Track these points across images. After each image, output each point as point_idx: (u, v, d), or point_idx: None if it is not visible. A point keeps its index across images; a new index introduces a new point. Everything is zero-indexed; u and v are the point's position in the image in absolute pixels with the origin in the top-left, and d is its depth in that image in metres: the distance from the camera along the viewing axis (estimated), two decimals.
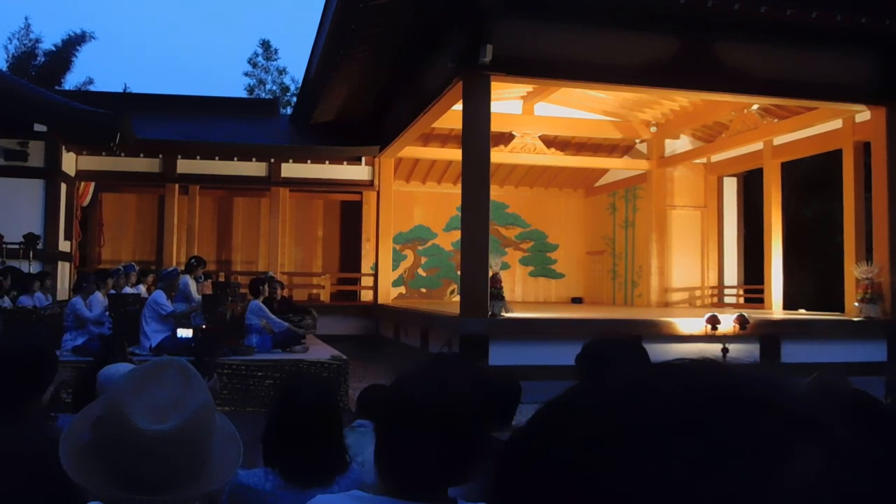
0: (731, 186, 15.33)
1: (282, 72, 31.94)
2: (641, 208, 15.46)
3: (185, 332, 7.78)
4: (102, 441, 1.27)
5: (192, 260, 9.70)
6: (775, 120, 12.32)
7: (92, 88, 26.20)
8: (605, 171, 16.70)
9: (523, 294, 16.89)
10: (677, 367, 0.41)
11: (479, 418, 1.32)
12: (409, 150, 13.74)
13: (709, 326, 9.05)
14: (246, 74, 31.92)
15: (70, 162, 13.14)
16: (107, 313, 8.49)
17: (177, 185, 14.15)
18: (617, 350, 2.19)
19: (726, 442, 0.35)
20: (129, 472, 1.23)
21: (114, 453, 1.24)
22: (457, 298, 12.10)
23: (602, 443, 0.37)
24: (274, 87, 30.95)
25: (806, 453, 0.34)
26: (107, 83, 46.70)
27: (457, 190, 11.54)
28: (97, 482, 1.24)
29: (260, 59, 31.73)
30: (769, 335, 9.34)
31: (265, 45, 31.74)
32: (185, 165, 13.98)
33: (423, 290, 16.39)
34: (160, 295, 8.23)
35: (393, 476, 1.31)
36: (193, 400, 1.27)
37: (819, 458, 0.34)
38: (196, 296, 8.67)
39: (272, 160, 14.28)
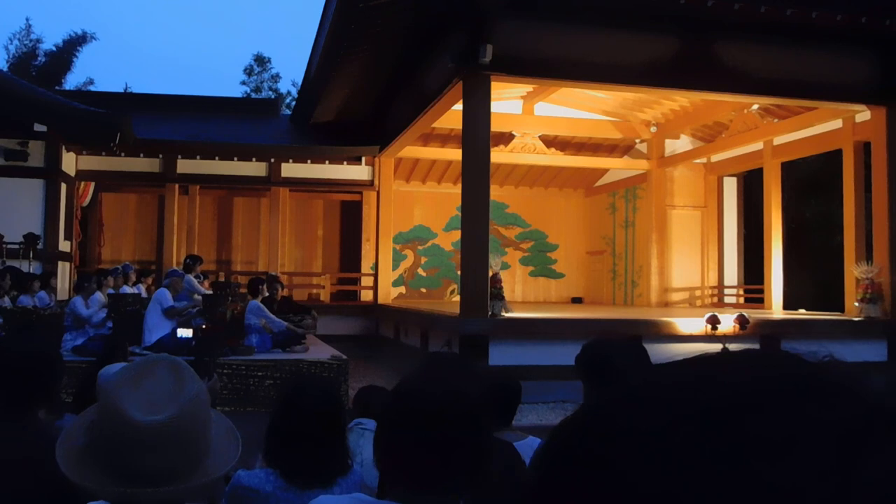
0: (731, 186, 15.33)
1: (275, 78, 33.10)
2: (641, 208, 15.46)
3: (185, 332, 7.78)
4: (99, 439, 1.28)
5: (188, 259, 9.73)
6: (775, 120, 12.32)
7: (92, 88, 26.23)
8: (605, 171, 16.70)
9: (523, 294, 16.89)
10: (743, 355, 0.38)
11: (481, 419, 1.31)
12: (409, 149, 13.74)
13: (709, 326, 9.05)
14: (242, 83, 33.44)
15: (70, 162, 13.14)
16: (103, 313, 8.49)
17: (177, 185, 14.15)
18: (617, 351, 2.19)
19: (800, 427, 0.32)
20: (127, 466, 1.23)
21: (112, 449, 1.25)
22: (457, 298, 12.10)
23: (680, 434, 0.34)
24: (270, 94, 31.52)
25: (888, 445, 0.32)
26: (108, 83, 46.75)
27: (457, 190, 11.54)
28: (96, 480, 1.25)
29: (255, 68, 32.93)
30: (769, 335, 9.34)
31: (259, 58, 33.08)
32: (185, 165, 13.97)
33: (423, 290, 16.39)
34: (164, 291, 8.29)
35: (394, 479, 1.30)
36: (187, 391, 1.28)
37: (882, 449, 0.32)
38: (203, 289, 8.72)
39: (272, 160, 14.28)
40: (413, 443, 1.25)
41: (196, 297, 8.61)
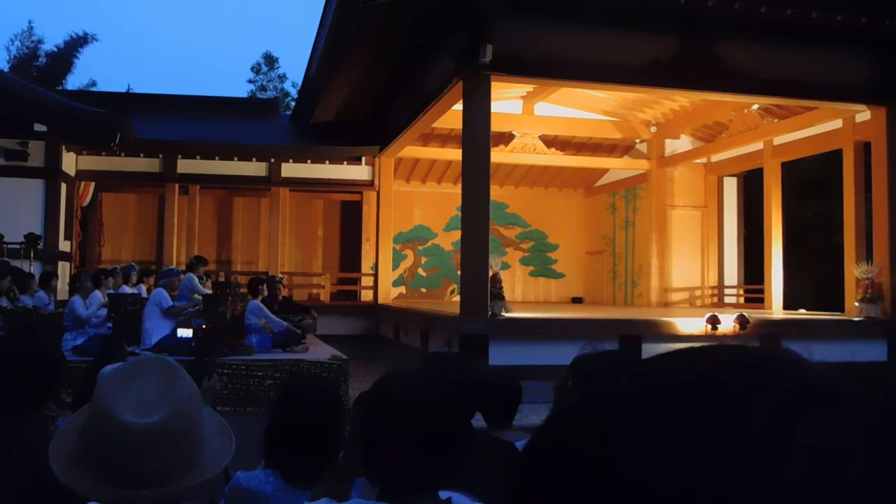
0: (731, 186, 15.33)
1: (282, 78, 33.15)
2: (641, 208, 15.46)
3: (185, 332, 7.77)
4: (91, 441, 1.27)
5: (193, 259, 9.73)
6: (775, 120, 12.32)
7: (94, 89, 26.24)
8: (605, 171, 16.70)
9: (523, 294, 16.89)
10: (676, 352, 0.42)
11: (461, 416, 1.33)
12: (410, 149, 13.74)
13: (709, 326, 9.05)
14: (249, 81, 33.29)
15: (70, 162, 13.14)
16: (103, 312, 8.49)
17: (177, 185, 14.16)
18: (608, 362, 2.15)
19: (733, 409, 0.35)
20: (120, 468, 1.23)
21: (104, 451, 1.25)
22: (457, 298, 12.10)
23: (619, 434, 0.37)
24: (275, 94, 31.62)
25: (820, 418, 0.34)
26: (110, 83, 46.76)
27: (457, 190, 11.54)
28: (89, 483, 1.24)
29: (263, 66, 32.99)
30: (769, 335, 9.34)
31: (268, 58, 33.06)
32: (185, 165, 13.98)
33: (424, 290, 16.39)
34: (162, 291, 8.26)
35: (374, 476, 1.32)
36: (178, 392, 1.28)
37: (835, 424, 0.34)
38: (203, 289, 8.71)
39: (272, 160, 14.28)
40: (392, 442, 1.28)
41: (196, 296, 8.60)
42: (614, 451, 0.37)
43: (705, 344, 0.43)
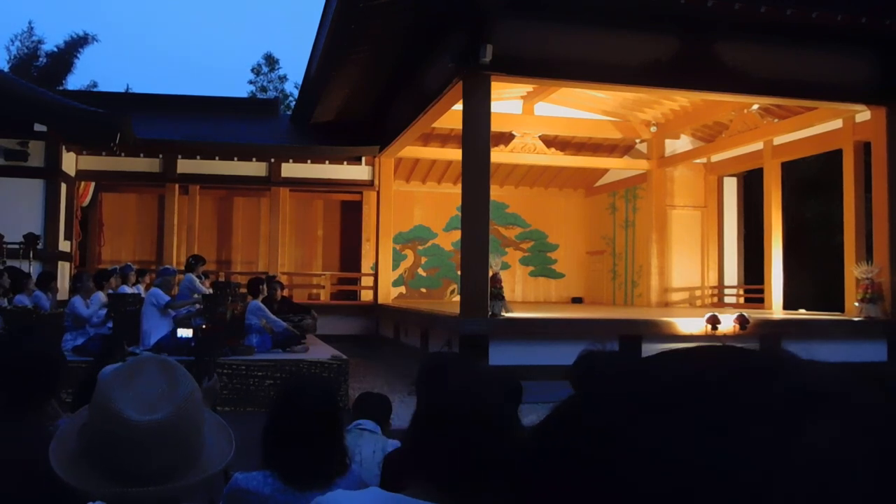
0: (731, 186, 15.33)
1: (283, 79, 33.25)
2: (641, 208, 15.46)
3: (185, 332, 7.77)
4: (93, 440, 1.27)
5: (191, 259, 9.72)
6: (775, 120, 12.32)
7: (94, 89, 26.24)
8: (605, 171, 16.70)
9: (523, 294, 16.89)
10: (675, 352, 0.41)
11: (504, 423, 1.42)
12: (410, 149, 13.74)
13: (709, 326, 9.05)
14: (250, 82, 33.43)
15: (70, 162, 13.13)
16: (104, 311, 8.48)
17: (177, 185, 14.16)
18: (608, 361, 2.16)
19: (732, 410, 0.35)
20: (124, 466, 1.23)
21: (107, 449, 1.25)
22: (457, 298, 12.10)
23: (614, 433, 0.37)
24: (275, 95, 31.66)
25: (819, 421, 0.34)
26: (110, 83, 46.74)
27: (457, 190, 11.54)
28: (92, 481, 1.25)
29: (263, 67, 33.13)
30: (769, 335, 9.34)
31: (269, 59, 33.15)
32: (185, 165, 13.98)
33: (424, 290, 16.39)
34: (157, 290, 8.23)
35: (423, 477, 1.39)
36: (181, 389, 1.29)
37: (834, 427, 0.34)
38: (203, 288, 8.70)
39: (272, 160, 14.28)
40: (446, 446, 1.35)
41: (196, 295, 8.59)
42: (610, 450, 0.37)
43: (704, 344, 0.43)
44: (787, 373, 0.37)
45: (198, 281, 8.79)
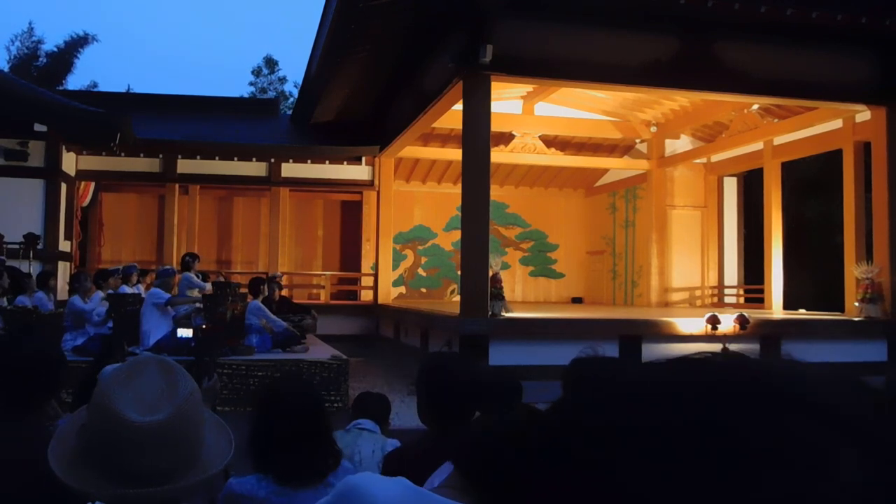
0: (731, 186, 15.32)
1: (282, 80, 33.45)
2: (641, 208, 15.46)
3: (185, 332, 7.77)
4: (93, 440, 1.27)
5: (187, 257, 9.72)
6: (775, 120, 12.32)
7: (94, 90, 26.26)
8: (605, 171, 16.70)
9: (523, 294, 16.89)
10: (689, 361, 0.40)
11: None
12: (410, 149, 13.74)
13: (709, 326, 9.05)
14: (250, 84, 33.62)
15: (70, 162, 13.13)
16: (104, 308, 8.48)
17: (177, 185, 14.15)
18: (602, 367, 2.12)
19: (750, 444, 0.34)
20: (124, 466, 1.23)
21: (107, 450, 1.25)
22: (457, 298, 12.10)
23: (613, 442, 0.37)
24: (275, 95, 31.71)
25: (842, 457, 0.33)
26: (110, 84, 46.81)
27: (457, 190, 11.53)
28: (92, 482, 1.24)
29: (263, 69, 33.29)
30: (769, 335, 9.34)
31: (268, 61, 33.34)
32: (185, 165, 13.98)
33: (424, 290, 16.39)
34: (156, 290, 8.24)
35: None
36: (181, 390, 1.28)
37: (855, 461, 0.33)
38: (203, 284, 8.70)
39: (272, 160, 14.28)
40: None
41: (196, 293, 8.59)
42: (601, 452, 0.37)
43: (702, 352, 0.42)
44: (783, 382, 0.37)
45: (196, 279, 8.79)
